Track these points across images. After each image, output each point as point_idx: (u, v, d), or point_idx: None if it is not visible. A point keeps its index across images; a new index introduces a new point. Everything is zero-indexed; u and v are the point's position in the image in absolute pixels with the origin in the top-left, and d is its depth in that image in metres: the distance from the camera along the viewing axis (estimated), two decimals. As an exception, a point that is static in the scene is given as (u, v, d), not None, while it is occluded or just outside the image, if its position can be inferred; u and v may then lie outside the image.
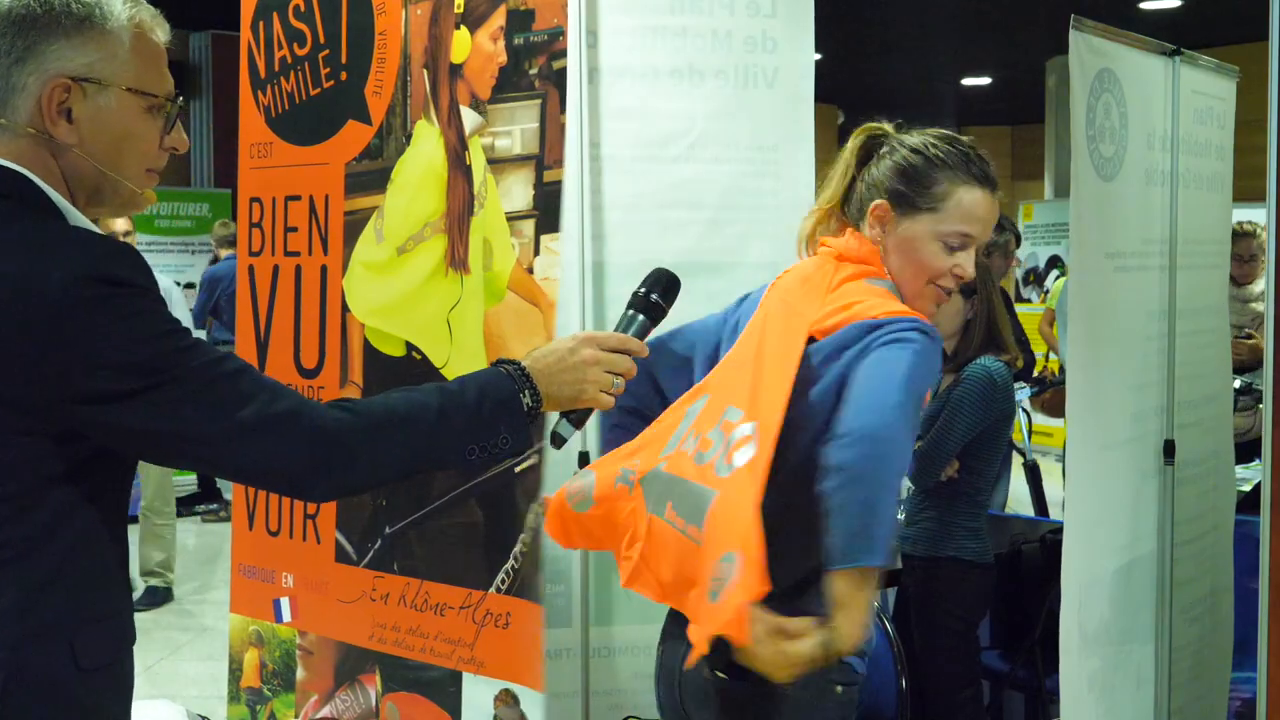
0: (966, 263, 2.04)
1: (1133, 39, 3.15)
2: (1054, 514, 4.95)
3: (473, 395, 1.59)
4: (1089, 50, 2.95)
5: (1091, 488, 2.99)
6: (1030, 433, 6.24)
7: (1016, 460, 5.48)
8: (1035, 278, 11.17)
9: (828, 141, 9.58)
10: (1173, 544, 3.29)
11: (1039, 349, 7.59)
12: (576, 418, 1.71)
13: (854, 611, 1.70)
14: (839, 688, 1.99)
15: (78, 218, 1.51)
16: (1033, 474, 5.67)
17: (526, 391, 1.61)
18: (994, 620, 3.72)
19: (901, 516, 3.51)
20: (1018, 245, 5.21)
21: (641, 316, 1.78)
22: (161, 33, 1.58)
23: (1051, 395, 5.87)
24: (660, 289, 1.80)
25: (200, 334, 8.32)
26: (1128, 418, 3.14)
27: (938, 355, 1.93)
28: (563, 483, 2.08)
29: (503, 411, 1.59)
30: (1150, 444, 3.25)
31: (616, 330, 1.76)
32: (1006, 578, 3.57)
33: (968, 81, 13.51)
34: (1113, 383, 3.08)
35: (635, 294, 1.80)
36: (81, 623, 1.49)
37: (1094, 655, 3.03)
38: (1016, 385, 4.10)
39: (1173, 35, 3.63)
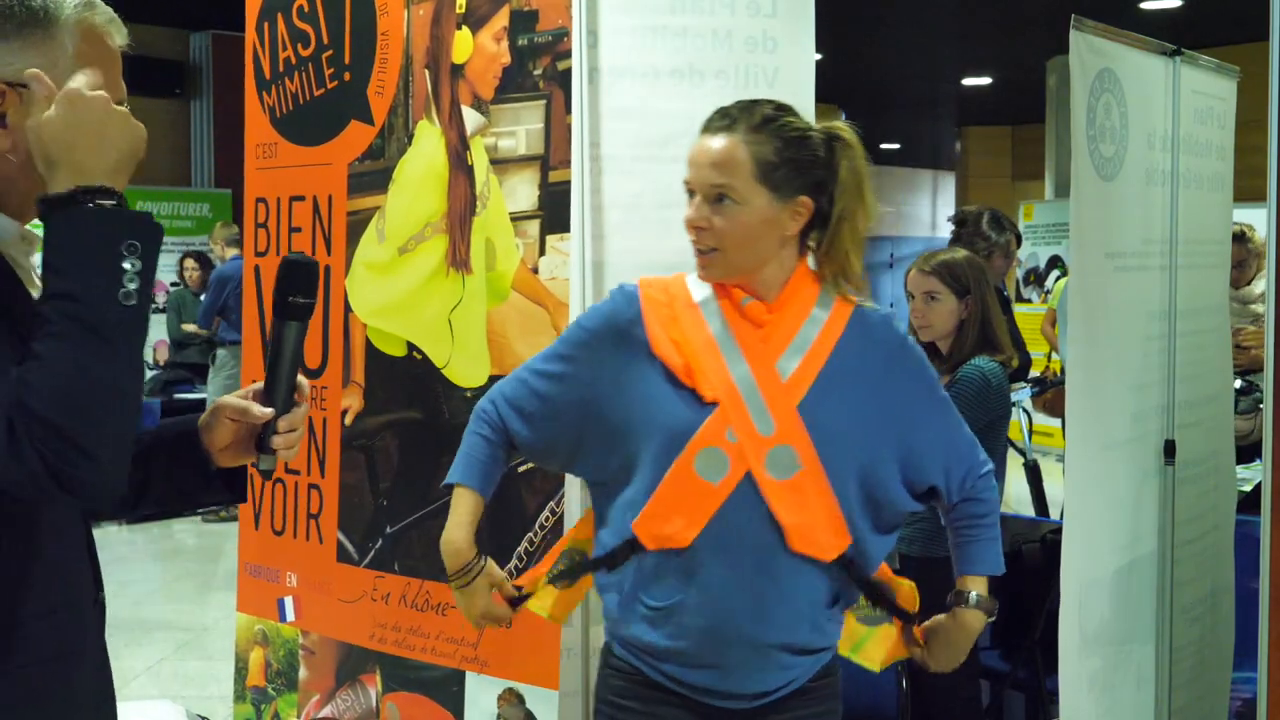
0: (690, 212, 2.06)
1: (1133, 39, 3.16)
2: (1054, 514, 4.95)
3: None
4: (1089, 50, 2.96)
5: (1091, 488, 2.99)
6: (1030, 433, 6.23)
7: (1016, 460, 5.47)
8: (1035, 278, 11.17)
9: (828, 141, 9.49)
10: (1173, 544, 3.29)
11: (1040, 349, 7.59)
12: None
13: None
14: None
15: (4, 226, 1.44)
16: (1033, 474, 5.66)
17: None
18: (994, 620, 3.72)
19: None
20: (1018, 245, 5.17)
21: (300, 323, 1.60)
22: (119, 36, 1.50)
23: (1052, 395, 5.86)
24: (302, 289, 1.58)
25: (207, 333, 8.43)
26: (1128, 417, 3.15)
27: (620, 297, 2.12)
28: None
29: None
30: (1150, 444, 3.25)
31: (281, 346, 1.58)
32: (1006, 578, 3.56)
33: (968, 81, 13.49)
34: (1113, 383, 3.08)
35: (286, 300, 1.58)
36: None
37: (1094, 655, 3.03)
38: (1017, 385, 4.09)
39: (1173, 35, 3.63)
